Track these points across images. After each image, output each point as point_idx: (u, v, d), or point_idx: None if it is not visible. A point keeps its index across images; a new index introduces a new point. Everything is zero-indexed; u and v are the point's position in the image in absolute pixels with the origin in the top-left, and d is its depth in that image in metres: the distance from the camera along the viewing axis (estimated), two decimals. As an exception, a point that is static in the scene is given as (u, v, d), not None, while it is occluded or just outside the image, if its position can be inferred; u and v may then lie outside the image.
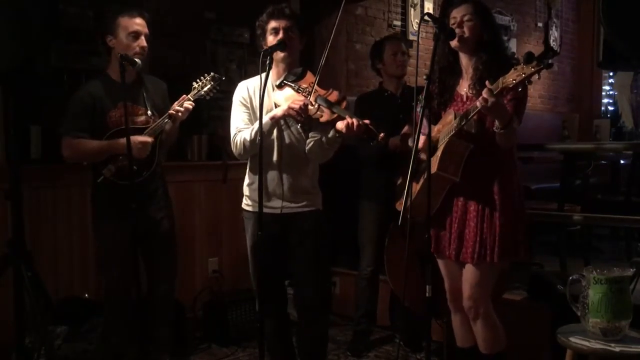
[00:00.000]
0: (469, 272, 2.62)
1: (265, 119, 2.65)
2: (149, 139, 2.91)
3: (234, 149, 2.80)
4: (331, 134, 2.64)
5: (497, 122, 2.43)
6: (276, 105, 2.72)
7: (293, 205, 2.79)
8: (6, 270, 2.58)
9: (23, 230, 2.62)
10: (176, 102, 2.97)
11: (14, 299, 2.55)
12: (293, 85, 2.70)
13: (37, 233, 3.39)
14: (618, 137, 7.28)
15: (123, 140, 2.77)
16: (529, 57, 2.23)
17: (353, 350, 3.80)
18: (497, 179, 2.58)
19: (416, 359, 3.63)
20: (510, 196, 2.59)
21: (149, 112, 3.00)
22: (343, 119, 2.56)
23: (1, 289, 2.66)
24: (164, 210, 3.11)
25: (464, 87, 2.66)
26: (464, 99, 2.64)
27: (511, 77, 2.27)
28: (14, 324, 2.58)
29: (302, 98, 2.62)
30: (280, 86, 2.73)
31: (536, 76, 2.22)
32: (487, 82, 2.36)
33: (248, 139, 2.71)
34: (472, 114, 2.45)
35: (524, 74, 2.23)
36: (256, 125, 2.69)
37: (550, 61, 2.22)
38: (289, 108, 2.61)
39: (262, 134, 2.54)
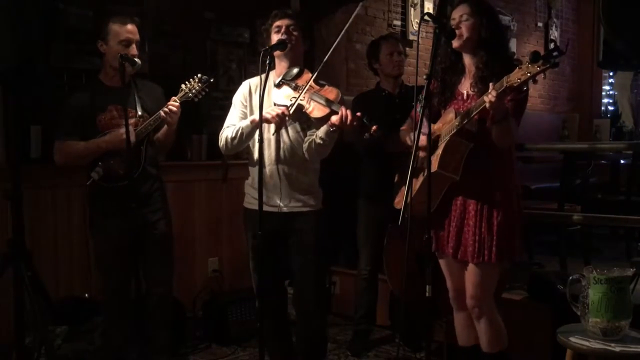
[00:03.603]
0: (471, 272, 2.62)
1: (247, 122, 2.74)
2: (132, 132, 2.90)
3: (219, 144, 2.86)
4: (325, 128, 2.66)
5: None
6: (275, 104, 2.73)
7: (292, 204, 2.80)
8: (6, 270, 2.58)
9: (23, 230, 2.62)
10: (165, 105, 2.98)
11: (14, 299, 2.55)
12: (290, 83, 2.74)
13: (37, 233, 3.39)
14: (618, 137, 7.29)
15: (107, 137, 2.89)
16: (536, 56, 2.22)
17: (353, 350, 3.80)
18: (497, 179, 2.58)
19: (416, 359, 3.63)
20: (510, 196, 2.59)
21: (139, 114, 3.00)
22: (337, 113, 2.59)
23: (1, 288, 2.66)
24: (160, 212, 3.11)
25: (465, 86, 2.66)
26: (465, 97, 2.64)
27: (516, 76, 2.27)
28: (14, 324, 2.58)
29: (282, 107, 2.66)
30: (278, 85, 2.77)
31: (542, 75, 2.21)
32: (491, 85, 2.36)
33: (229, 137, 2.78)
34: (474, 113, 2.45)
35: (530, 73, 2.22)
36: (239, 124, 2.77)
37: (557, 60, 2.20)
38: (266, 113, 2.65)
39: (254, 135, 2.58)
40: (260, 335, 2.64)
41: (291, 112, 2.65)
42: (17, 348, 2.61)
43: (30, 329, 2.76)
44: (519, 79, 2.25)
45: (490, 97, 2.33)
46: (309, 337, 2.94)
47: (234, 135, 2.76)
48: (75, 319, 3.25)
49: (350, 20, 2.78)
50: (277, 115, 2.63)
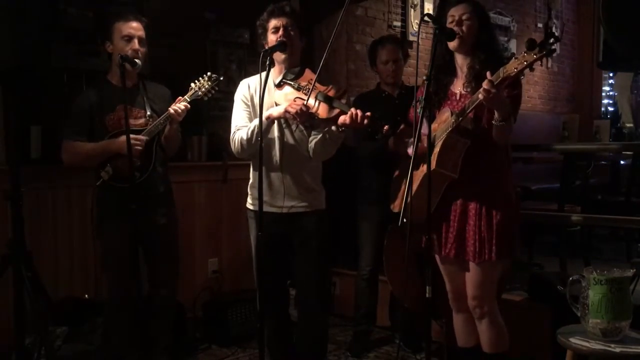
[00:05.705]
0: (472, 272, 2.62)
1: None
2: (142, 137, 2.91)
3: (232, 147, 2.82)
4: (334, 128, 2.63)
5: (497, 115, 2.43)
6: (276, 104, 2.72)
7: (297, 204, 2.79)
8: (6, 270, 2.58)
9: (23, 230, 2.61)
10: (173, 104, 2.98)
11: (14, 299, 2.54)
12: (292, 83, 2.70)
13: (37, 233, 3.39)
14: (618, 138, 7.29)
15: (117, 140, 2.88)
16: (532, 44, 2.19)
17: (353, 351, 3.79)
18: (494, 177, 2.59)
19: (416, 360, 3.63)
20: (507, 194, 2.60)
21: (148, 115, 3.01)
22: (345, 113, 2.56)
23: (1, 289, 2.66)
24: (167, 215, 3.11)
25: (458, 86, 2.66)
26: (458, 97, 2.64)
27: (512, 66, 2.25)
28: (14, 324, 2.58)
29: (300, 101, 2.60)
30: (279, 85, 2.73)
31: (541, 67, 2.21)
32: (488, 73, 2.34)
33: (245, 138, 2.73)
34: (469, 109, 2.45)
35: (526, 61, 2.21)
36: (252, 124, 2.72)
37: (553, 47, 2.18)
38: (286, 111, 2.62)
39: (262, 134, 2.54)
40: (260, 336, 2.64)
41: (312, 97, 2.59)
42: (17, 348, 2.61)
43: (30, 330, 2.76)
44: (516, 68, 2.24)
45: (485, 86, 2.30)
46: (311, 339, 2.94)
47: (249, 136, 2.71)
48: (75, 320, 3.25)
49: (342, 12, 2.69)
50: (298, 111, 2.56)
